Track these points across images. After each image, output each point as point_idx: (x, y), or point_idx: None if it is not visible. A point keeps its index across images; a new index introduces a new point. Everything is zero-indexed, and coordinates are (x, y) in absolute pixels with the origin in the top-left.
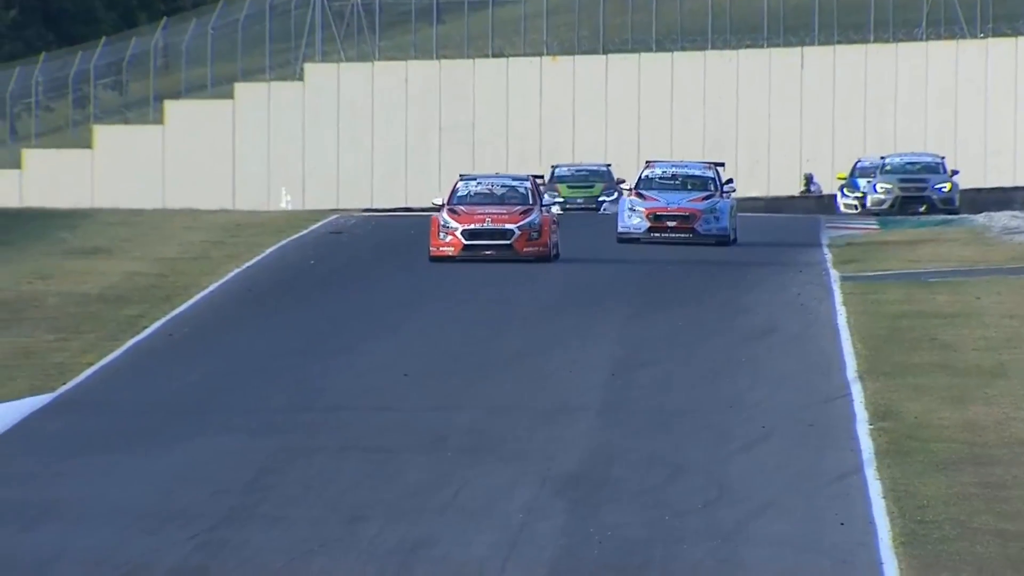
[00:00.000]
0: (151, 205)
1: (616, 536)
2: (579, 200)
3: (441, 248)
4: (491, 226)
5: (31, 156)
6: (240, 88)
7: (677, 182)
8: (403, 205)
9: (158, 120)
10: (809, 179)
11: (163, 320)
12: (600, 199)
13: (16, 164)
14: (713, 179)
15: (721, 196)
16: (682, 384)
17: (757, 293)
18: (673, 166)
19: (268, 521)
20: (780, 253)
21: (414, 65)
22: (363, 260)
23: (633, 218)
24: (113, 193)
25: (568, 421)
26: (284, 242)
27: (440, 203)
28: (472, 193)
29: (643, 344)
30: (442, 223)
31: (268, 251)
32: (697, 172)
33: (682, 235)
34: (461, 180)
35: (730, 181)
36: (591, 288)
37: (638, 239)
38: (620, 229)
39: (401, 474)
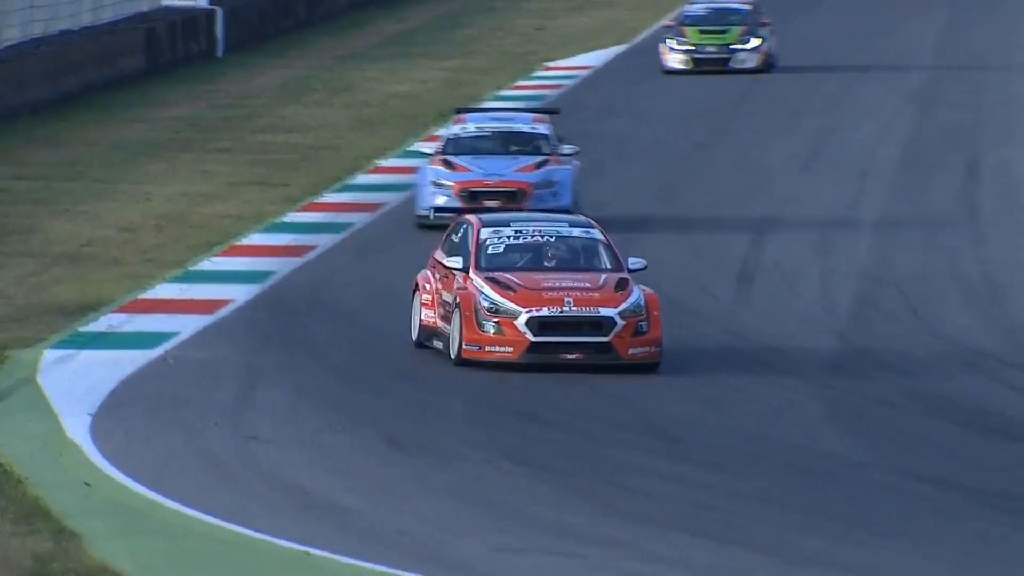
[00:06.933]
0: None
1: (940, 127)
2: (709, 49)
3: (487, 348)
4: (575, 312)
5: None
6: None
7: (497, 142)
8: None
9: None
10: None
11: None
12: (732, 47)
13: None
14: (545, 137)
15: (559, 161)
16: None
17: None
18: (492, 119)
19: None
20: None
21: None
22: None
23: (438, 196)
24: None
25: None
26: None
27: (458, 265)
28: (508, 248)
29: None
30: (486, 303)
31: None
32: (524, 128)
33: None
34: (486, 226)
35: (562, 140)
36: None
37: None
38: (420, 211)
39: (820, 86)
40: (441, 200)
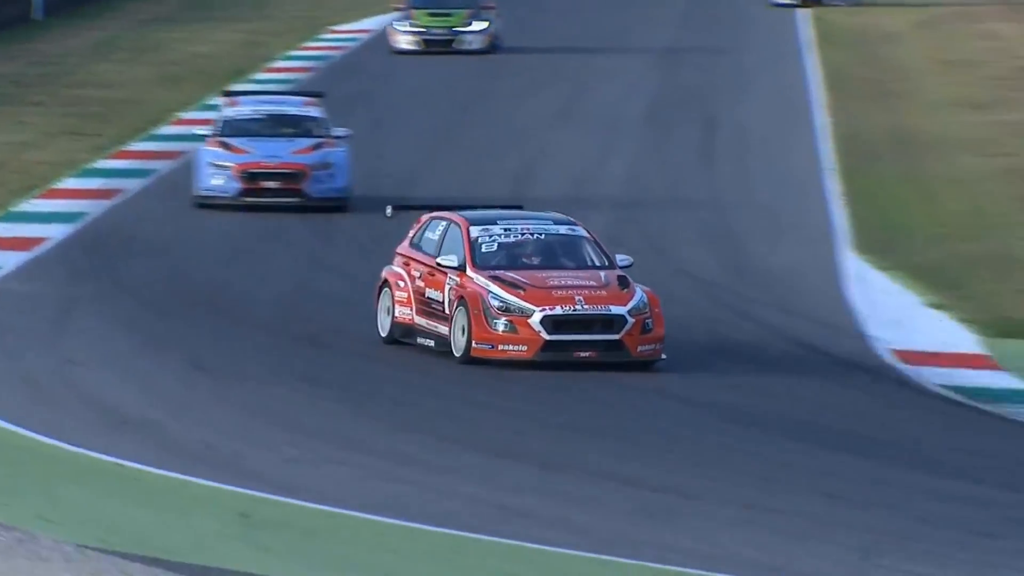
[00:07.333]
0: None
1: (681, 88)
2: (436, 31)
3: (500, 347)
4: (588, 310)
5: None
6: None
7: (270, 124)
8: None
9: None
10: None
11: None
12: (456, 29)
13: None
14: (316, 119)
15: (333, 144)
16: None
17: None
18: (265, 102)
19: None
20: None
21: None
22: None
23: (217, 177)
24: None
25: None
26: None
27: (453, 263)
28: (501, 246)
29: None
30: (496, 302)
31: None
32: (296, 111)
33: (287, 199)
34: (473, 224)
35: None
36: None
37: (224, 205)
38: (201, 191)
39: (565, 58)
40: (219, 181)
